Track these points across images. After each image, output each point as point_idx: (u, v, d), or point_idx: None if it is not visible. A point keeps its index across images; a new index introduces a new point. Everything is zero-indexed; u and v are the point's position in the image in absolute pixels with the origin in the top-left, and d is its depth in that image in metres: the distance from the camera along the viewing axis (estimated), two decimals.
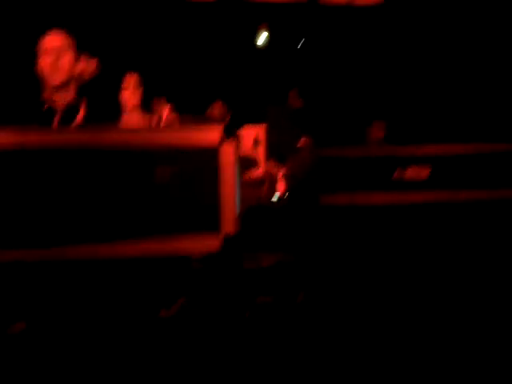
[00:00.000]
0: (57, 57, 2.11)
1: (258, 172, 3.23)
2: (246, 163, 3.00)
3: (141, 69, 3.79)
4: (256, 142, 3.61)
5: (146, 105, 3.71)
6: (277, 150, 3.67)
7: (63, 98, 2.15)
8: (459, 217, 1.52)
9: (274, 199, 3.02)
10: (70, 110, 2.18)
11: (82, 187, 1.11)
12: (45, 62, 2.12)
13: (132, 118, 3.63)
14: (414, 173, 1.47)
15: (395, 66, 6.05)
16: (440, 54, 5.70)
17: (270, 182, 3.27)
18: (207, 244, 1.16)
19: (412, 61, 5.94)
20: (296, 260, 1.30)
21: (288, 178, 3.96)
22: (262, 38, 6.15)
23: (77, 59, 2.21)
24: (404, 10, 5.81)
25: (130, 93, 3.59)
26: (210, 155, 1.15)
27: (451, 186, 1.55)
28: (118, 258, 1.13)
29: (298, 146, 3.93)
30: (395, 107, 5.54)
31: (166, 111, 3.31)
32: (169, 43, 5.78)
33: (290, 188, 3.07)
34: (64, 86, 2.16)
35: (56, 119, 2.18)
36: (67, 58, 2.16)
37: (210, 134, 1.16)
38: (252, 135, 3.71)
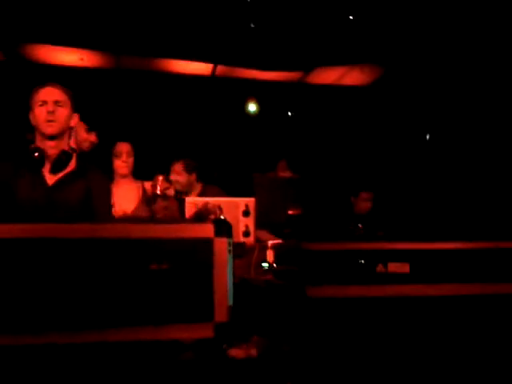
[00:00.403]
0: (53, 109, 2.17)
1: (249, 240, 3.26)
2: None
3: (133, 138, 3.88)
4: (246, 213, 3.66)
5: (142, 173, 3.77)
6: (267, 220, 3.72)
7: (55, 148, 2.21)
8: (445, 311, 1.55)
9: (265, 267, 3.04)
10: (60, 161, 2.25)
11: (79, 276, 1.15)
12: (41, 113, 2.18)
13: (122, 186, 3.68)
14: (396, 267, 1.51)
15: (381, 142, 6.26)
16: (427, 134, 5.91)
17: (259, 251, 3.30)
18: (200, 333, 1.18)
19: (397, 140, 6.16)
20: (284, 350, 1.31)
21: (278, 248, 3.97)
22: (251, 108, 6.36)
23: (72, 113, 2.27)
24: (390, 92, 6.09)
25: (121, 161, 3.65)
26: (203, 246, 1.21)
27: (435, 279, 1.59)
28: (113, 342, 1.15)
29: (289, 215, 3.99)
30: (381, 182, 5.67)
31: (160, 181, 3.37)
32: (162, 112, 5.96)
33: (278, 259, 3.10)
34: (58, 137, 2.22)
35: (46, 167, 2.24)
36: (64, 111, 2.22)
37: (204, 228, 1.22)
38: (241, 206, 3.76)
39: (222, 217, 2.40)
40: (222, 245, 1.22)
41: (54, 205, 2.21)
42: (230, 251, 1.24)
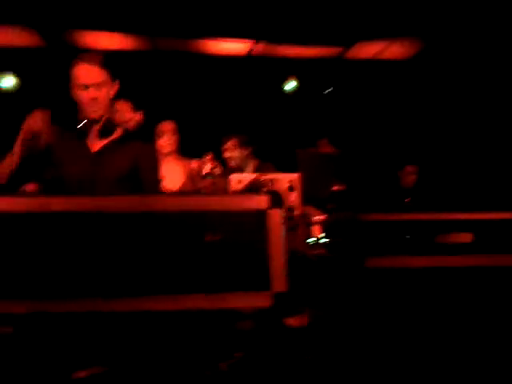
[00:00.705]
0: (96, 95, 2.16)
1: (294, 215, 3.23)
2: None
3: (175, 118, 3.88)
4: (291, 189, 3.63)
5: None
6: (312, 196, 3.68)
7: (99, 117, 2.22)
8: (502, 282, 1.48)
9: (310, 242, 3.00)
10: (105, 128, 2.24)
11: (137, 248, 1.17)
12: (83, 97, 2.17)
13: (168, 164, 3.70)
14: (457, 237, 1.46)
15: (424, 116, 6.10)
16: (471, 108, 5.73)
17: (304, 226, 3.26)
18: (257, 302, 1.18)
19: (439, 113, 6.00)
20: (338, 320, 1.28)
21: (324, 223, 3.93)
22: (291, 86, 6.29)
23: (112, 85, 2.23)
24: (432, 65, 5.92)
25: (164, 140, 3.66)
26: (258, 218, 1.22)
27: (495, 250, 1.53)
28: (170, 311, 1.16)
29: (333, 191, 3.93)
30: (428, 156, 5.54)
31: (208, 160, 3.37)
32: (202, 92, 5.96)
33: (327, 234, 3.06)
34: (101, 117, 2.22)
35: (91, 135, 2.25)
36: (105, 92, 2.20)
37: (258, 199, 1.23)
38: (286, 182, 3.73)
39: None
40: (276, 215, 1.22)
41: (98, 171, 2.20)
42: (283, 223, 1.23)
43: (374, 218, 1.38)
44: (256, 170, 3.82)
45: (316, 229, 4.12)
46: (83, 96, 2.16)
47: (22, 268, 1.16)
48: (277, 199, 1.25)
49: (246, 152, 3.89)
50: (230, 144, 3.89)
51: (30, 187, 4.52)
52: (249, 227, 1.20)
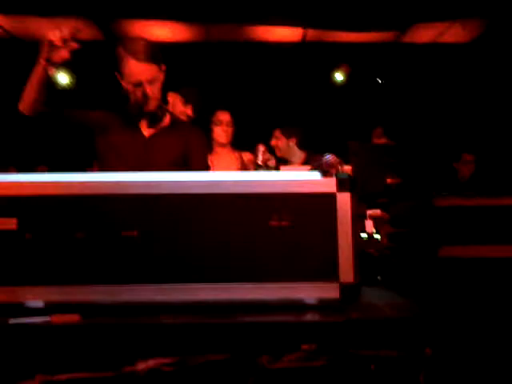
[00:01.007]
0: (150, 91, 2.15)
1: None
2: None
3: (233, 108, 3.85)
4: None
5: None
6: (363, 189, 3.58)
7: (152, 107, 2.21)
8: None
9: (364, 238, 2.91)
10: (157, 115, 2.24)
11: (198, 234, 1.15)
12: (136, 93, 2.16)
13: (221, 155, 3.69)
14: None
15: (485, 102, 5.82)
16: None
17: (358, 220, 3.17)
18: (324, 293, 1.12)
19: (502, 98, 5.70)
20: (418, 313, 1.21)
21: (377, 218, 3.82)
22: (343, 75, 6.14)
23: (162, 72, 2.20)
24: (494, 48, 5.62)
25: (221, 129, 3.64)
26: (326, 201, 1.14)
27: None
28: (231, 300, 1.14)
29: (388, 183, 3.82)
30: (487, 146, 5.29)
31: (261, 151, 3.34)
32: (253, 82, 5.92)
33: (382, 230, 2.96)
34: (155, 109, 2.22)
35: (144, 120, 2.25)
36: (157, 85, 2.19)
37: (326, 182, 1.15)
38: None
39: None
40: (345, 199, 1.13)
41: (151, 156, 2.20)
42: (353, 208, 1.15)
43: (450, 203, 1.27)
44: (304, 163, 3.76)
45: (369, 223, 4.03)
46: (136, 92, 2.16)
47: (87, 253, 1.15)
48: (347, 182, 1.17)
49: (291, 142, 3.84)
50: (276, 133, 3.85)
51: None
52: (316, 212, 1.13)
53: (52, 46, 1.95)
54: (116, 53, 2.17)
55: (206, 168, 2.39)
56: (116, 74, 2.20)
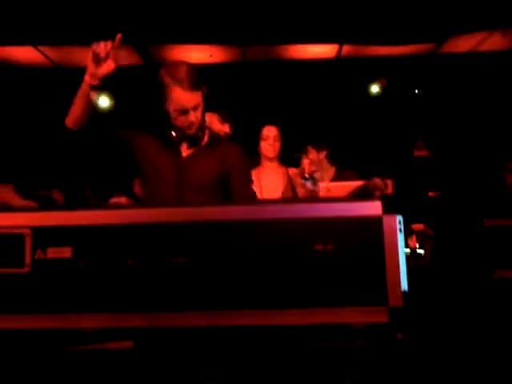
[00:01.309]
0: (194, 118, 2.16)
1: None
2: None
3: (280, 122, 3.86)
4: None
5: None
6: (404, 204, 3.53)
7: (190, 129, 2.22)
8: None
9: (407, 253, 2.86)
10: (197, 136, 2.23)
11: (244, 259, 1.16)
12: (180, 119, 2.17)
13: (269, 170, 3.71)
14: None
15: None
16: None
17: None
18: (372, 317, 1.11)
19: None
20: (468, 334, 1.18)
21: (421, 235, 3.76)
22: (379, 87, 6.10)
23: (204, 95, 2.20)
24: None
25: (268, 144, 3.66)
26: (372, 225, 1.14)
27: None
28: (281, 325, 1.13)
29: (429, 196, 3.76)
30: None
31: (307, 164, 3.35)
32: (290, 99, 5.96)
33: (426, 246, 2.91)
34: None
35: (183, 145, 2.26)
36: (201, 110, 2.20)
37: (371, 205, 1.15)
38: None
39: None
40: (392, 223, 1.13)
41: (189, 176, 2.21)
42: (400, 230, 1.14)
43: (501, 223, 1.25)
44: (334, 179, 3.75)
45: (412, 238, 3.96)
46: (181, 119, 2.18)
47: (137, 279, 1.19)
48: (393, 204, 1.17)
49: (320, 155, 3.83)
50: (308, 147, 3.85)
51: (122, 200, 4.78)
52: (362, 235, 1.13)
53: (97, 58, 1.98)
54: (158, 78, 2.18)
55: (248, 184, 2.35)
56: (158, 98, 2.21)
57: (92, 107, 2.11)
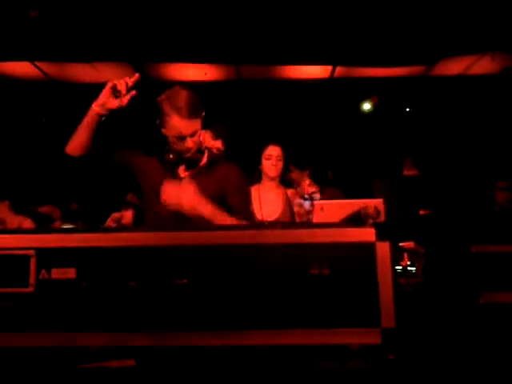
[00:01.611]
0: (191, 139, 2.18)
1: None
2: None
3: (284, 142, 3.87)
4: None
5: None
6: (394, 224, 3.58)
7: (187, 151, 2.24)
8: None
9: (397, 270, 2.92)
10: (195, 159, 2.26)
11: (240, 282, 1.22)
12: (179, 145, 2.20)
13: (269, 190, 3.69)
14: None
15: None
16: None
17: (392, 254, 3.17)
18: (366, 338, 1.17)
19: None
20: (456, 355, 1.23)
21: (412, 253, 3.81)
22: (371, 105, 6.20)
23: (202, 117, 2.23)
24: None
25: (270, 164, 3.65)
26: (366, 251, 1.20)
27: None
28: (278, 345, 1.18)
29: (420, 215, 3.81)
30: None
31: (306, 184, 3.38)
32: (282, 118, 6.03)
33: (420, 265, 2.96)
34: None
35: (181, 167, 2.29)
36: (199, 136, 2.22)
37: (365, 232, 1.22)
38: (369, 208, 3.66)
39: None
40: (384, 249, 1.20)
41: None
42: (391, 256, 1.21)
43: (489, 249, 1.31)
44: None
45: (404, 256, 4.01)
46: (179, 144, 2.20)
47: (140, 300, 1.24)
48: (385, 231, 1.23)
49: (304, 174, 3.83)
50: (290, 167, 3.85)
51: (128, 213, 4.74)
52: (356, 261, 1.20)
53: (115, 91, 2.03)
54: (157, 103, 2.21)
55: (246, 205, 2.37)
56: (156, 123, 2.24)
57: (97, 134, 2.13)
